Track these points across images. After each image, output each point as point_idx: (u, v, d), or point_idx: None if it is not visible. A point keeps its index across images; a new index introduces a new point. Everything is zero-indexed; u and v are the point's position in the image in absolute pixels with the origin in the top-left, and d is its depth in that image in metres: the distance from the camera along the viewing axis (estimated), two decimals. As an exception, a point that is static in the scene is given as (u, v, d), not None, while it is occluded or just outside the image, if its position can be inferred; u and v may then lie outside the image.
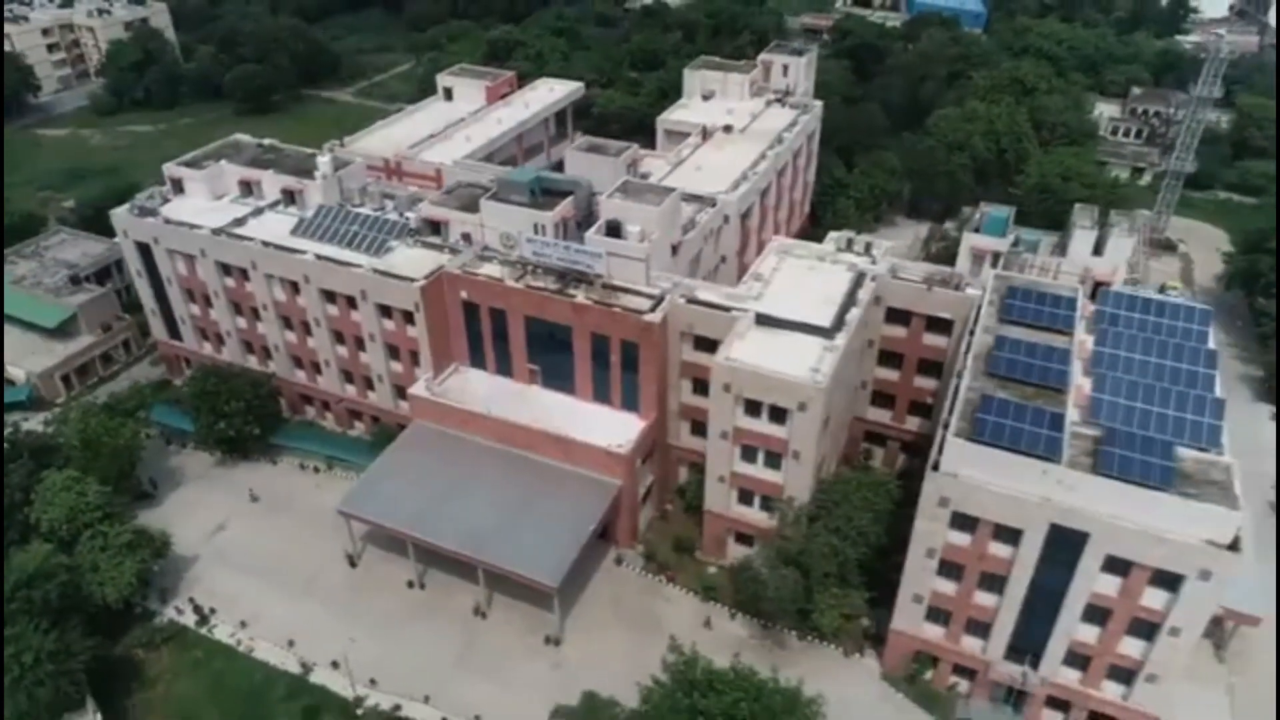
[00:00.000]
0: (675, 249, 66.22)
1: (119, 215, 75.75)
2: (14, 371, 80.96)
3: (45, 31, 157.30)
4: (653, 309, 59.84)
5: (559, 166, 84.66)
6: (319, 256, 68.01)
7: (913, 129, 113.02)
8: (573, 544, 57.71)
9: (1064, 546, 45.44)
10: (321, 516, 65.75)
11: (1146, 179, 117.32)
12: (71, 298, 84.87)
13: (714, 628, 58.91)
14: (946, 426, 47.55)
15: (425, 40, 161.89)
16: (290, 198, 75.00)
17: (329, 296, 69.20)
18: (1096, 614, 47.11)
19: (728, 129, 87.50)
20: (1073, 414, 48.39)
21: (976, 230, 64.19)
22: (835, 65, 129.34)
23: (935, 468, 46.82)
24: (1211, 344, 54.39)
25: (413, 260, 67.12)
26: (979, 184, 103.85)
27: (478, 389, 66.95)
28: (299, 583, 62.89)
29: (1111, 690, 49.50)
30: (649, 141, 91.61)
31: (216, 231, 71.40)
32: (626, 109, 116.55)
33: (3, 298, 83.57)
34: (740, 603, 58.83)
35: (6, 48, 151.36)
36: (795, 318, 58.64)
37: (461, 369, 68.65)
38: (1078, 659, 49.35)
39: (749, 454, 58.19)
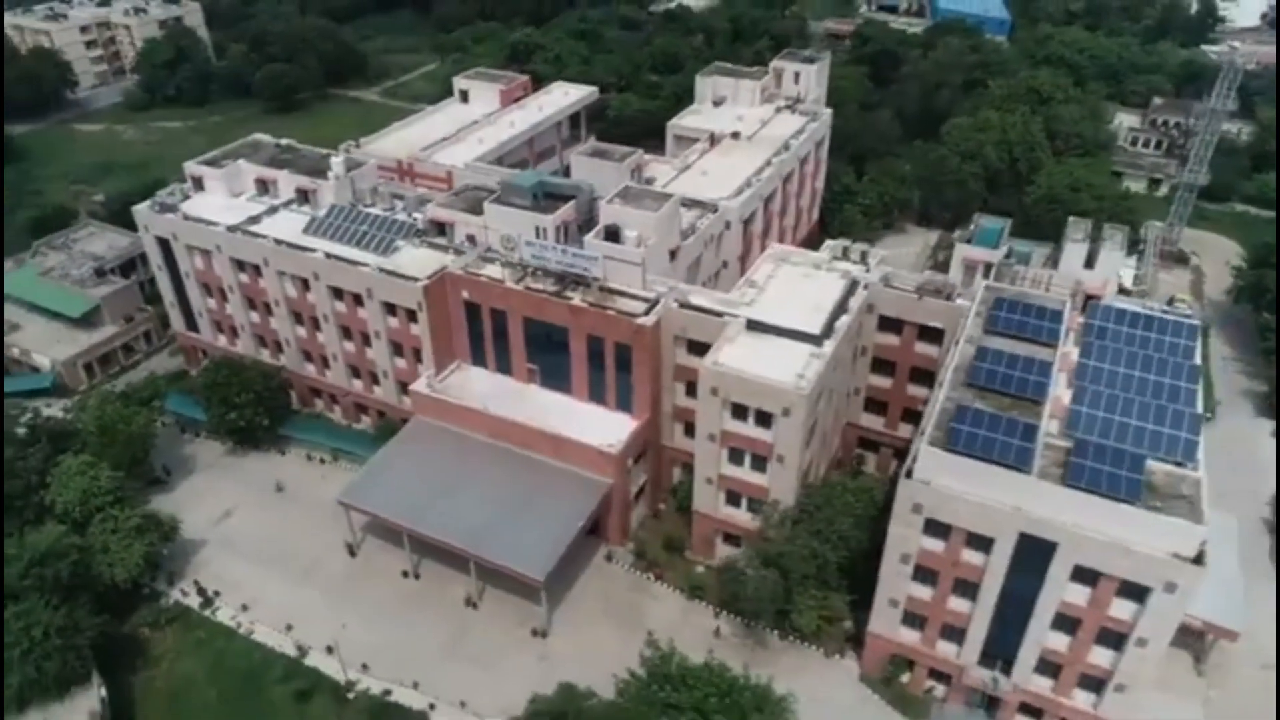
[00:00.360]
0: (673, 254, 67.54)
1: (141, 211, 78.60)
2: (39, 359, 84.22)
3: (84, 29, 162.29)
4: (646, 312, 61.24)
5: (570, 170, 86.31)
6: (328, 255, 70.18)
7: (927, 137, 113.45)
8: (561, 539, 59.32)
9: (1034, 555, 46.22)
10: (325, 506, 67.84)
11: (1163, 190, 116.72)
12: (96, 289, 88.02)
13: (697, 625, 60.20)
14: (924, 434, 48.53)
15: (451, 41, 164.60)
16: (304, 197, 77.32)
17: (337, 293, 71.39)
18: (1066, 623, 47.86)
19: (736, 135, 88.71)
20: (1052, 425, 49.21)
21: (969, 241, 64.82)
22: (853, 72, 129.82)
23: (910, 475, 47.83)
24: (1197, 359, 54.78)
25: (418, 260, 69.08)
26: (991, 193, 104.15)
27: (478, 387, 68.76)
28: (300, 569, 65.12)
29: (1082, 699, 50.16)
30: (664, 145, 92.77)
31: (232, 228, 73.87)
32: (643, 112, 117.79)
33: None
34: (724, 601, 60.09)
35: (46, 44, 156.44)
36: (785, 324, 59.74)
37: (463, 367, 70.51)
38: (1049, 667, 50.09)
39: (736, 456, 59.44)
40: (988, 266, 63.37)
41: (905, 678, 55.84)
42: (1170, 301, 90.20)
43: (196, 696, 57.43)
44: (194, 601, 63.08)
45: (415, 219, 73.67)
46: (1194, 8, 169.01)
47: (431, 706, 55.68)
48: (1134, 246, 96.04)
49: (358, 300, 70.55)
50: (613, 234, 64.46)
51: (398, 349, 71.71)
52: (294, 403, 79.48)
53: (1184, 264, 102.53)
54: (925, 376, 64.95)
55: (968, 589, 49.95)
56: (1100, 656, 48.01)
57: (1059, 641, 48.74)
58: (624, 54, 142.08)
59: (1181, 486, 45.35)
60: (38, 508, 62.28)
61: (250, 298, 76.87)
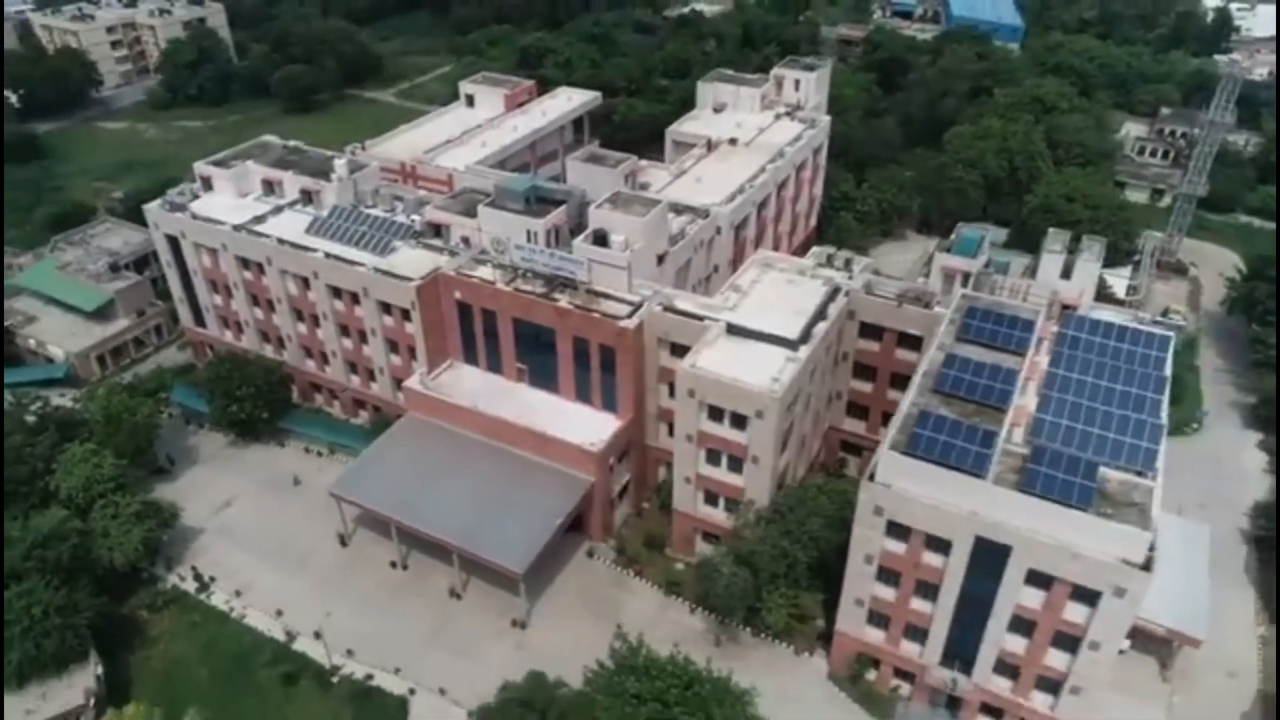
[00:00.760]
0: (661, 258, 69.17)
1: (151, 209, 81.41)
2: (54, 350, 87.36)
3: (109, 29, 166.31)
4: (630, 315, 62.93)
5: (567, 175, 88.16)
6: (327, 254, 72.52)
7: (930, 144, 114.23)
8: (541, 534, 61.16)
9: (990, 559, 47.43)
10: (320, 498, 69.88)
11: (1166, 201, 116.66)
12: (110, 284, 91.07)
13: (673, 621, 61.81)
14: (888, 438, 49.83)
15: (467, 44, 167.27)
16: (308, 197, 79.71)
17: (336, 292, 73.72)
18: (1022, 625, 48.98)
19: (733, 141, 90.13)
20: (1016, 433, 50.40)
21: (948, 250, 65.96)
22: (859, 78, 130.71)
23: (872, 477, 49.20)
24: (1167, 370, 55.59)
25: (413, 261, 71.21)
26: (991, 201, 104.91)
27: (469, 385, 70.77)
28: (293, 558, 67.41)
29: (1040, 700, 51.23)
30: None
31: (237, 228, 76.41)
32: (648, 117, 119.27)
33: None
34: (698, 598, 61.63)
35: (74, 44, 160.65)
36: (764, 329, 61.23)
37: (456, 365, 72.55)
38: (1007, 668, 51.23)
39: (713, 457, 60.99)
40: (966, 275, 64.42)
41: (871, 676, 57.14)
42: (1165, 312, 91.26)
43: (189, 676, 59.83)
44: (190, 586, 65.56)
45: (414, 220, 75.84)
46: (1210, 17, 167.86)
47: (411, 692, 57.72)
48: (1131, 257, 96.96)
49: (355, 299, 72.82)
50: (601, 238, 66.13)
51: (393, 347, 73.88)
52: (296, 397, 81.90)
53: (1183, 274, 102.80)
54: (905, 382, 65.44)
55: (929, 590, 51.19)
56: (1056, 659, 49.05)
57: (1016, 643, 49.90)
58: (636, 58, 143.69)
59: (1134, 494, 46.38)
60: (43, 493, 64.95)
61: (254, 295, 79.38)
